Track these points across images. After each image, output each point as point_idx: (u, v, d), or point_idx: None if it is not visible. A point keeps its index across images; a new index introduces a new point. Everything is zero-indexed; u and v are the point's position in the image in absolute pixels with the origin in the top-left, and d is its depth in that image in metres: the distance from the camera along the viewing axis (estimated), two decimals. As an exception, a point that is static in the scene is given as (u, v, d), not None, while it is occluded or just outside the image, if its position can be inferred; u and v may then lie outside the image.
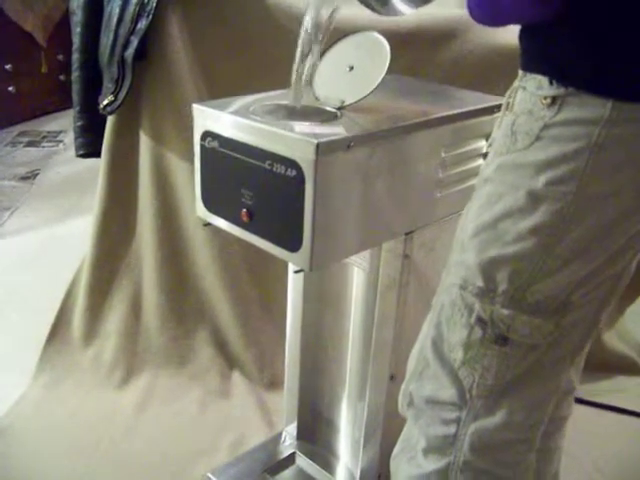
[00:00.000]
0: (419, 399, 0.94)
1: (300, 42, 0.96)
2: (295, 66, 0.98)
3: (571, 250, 0.77)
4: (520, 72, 0.80)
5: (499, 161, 0.80)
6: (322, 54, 1.04)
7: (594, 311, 0.86)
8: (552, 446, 1.07)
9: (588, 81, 0.71)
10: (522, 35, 0.79)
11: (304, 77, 0.99)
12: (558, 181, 0.74)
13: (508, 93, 0.82)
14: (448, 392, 0.90)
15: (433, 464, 0.92)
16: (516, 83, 0.81)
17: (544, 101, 0.74)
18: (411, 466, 0.96)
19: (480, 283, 0.82)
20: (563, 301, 0.81)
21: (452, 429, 0.90)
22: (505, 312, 0.82)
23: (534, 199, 0.76)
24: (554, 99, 0.73)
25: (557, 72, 0.73)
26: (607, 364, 1.79)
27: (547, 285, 0.80)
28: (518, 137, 0.77)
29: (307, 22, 0.95)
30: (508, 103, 0.81)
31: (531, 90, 0.76)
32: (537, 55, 0.77)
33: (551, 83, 0.74)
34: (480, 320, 0.84)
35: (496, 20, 0.80)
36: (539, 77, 0.75)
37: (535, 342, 0.83)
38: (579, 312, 0.83)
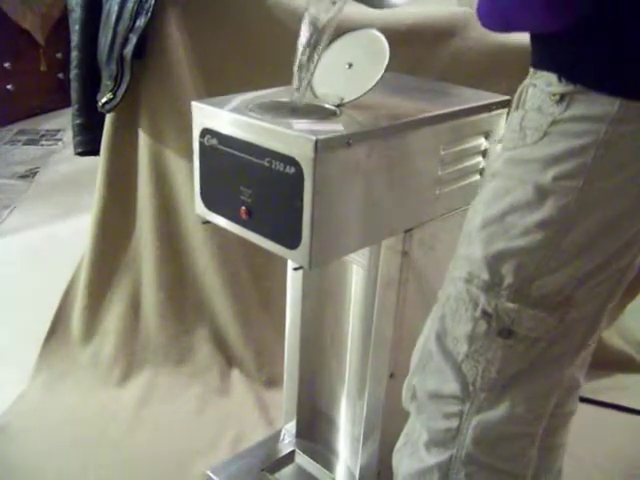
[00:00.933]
0: (422, 393, 0.95)
1: (299, 43, 0.97)
2: (295, 67, 0.98)
3: (576, 245, 0.78)
4: (531, 70, 0.82)
5: (507, 156, 0.82)
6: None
7: (597, 307, 0.86)
8: (557, 442, 1.08)
9: (596, 79, 0.72)
10: (532, 35, 0.80)
11: (306, 78, 0.99)
12: (565, 176, 0.75)
13: (519, 90, 0.83)
14: (451, 385, 0.90)
15: (435, 458, 0.93)
16: (527, 80, 0.82)
17: (553, 98, 0.75)
18: (413, 460, 0.96)
19: (486, 276, 0.83)
20: (567, 295, 0.81)
21: (454, 423, 0.90)
22: (510, 305, 0.82)
23: (541, 193, 0.77)
24: (563, 96, 0.74)
25: (566, 70, 0.74)
26: (607, 362, 1.79)
27: (552, 279, 0.80)
28: (527, 132, 0.78)
29: (305, 26, 0.95)
30: (519, 100, 0.82)
31: (541, 87, 0.78)
32: (547, 54, 0.78)
33: (560, 80, 0.75)
34: (485, 313, 0.84)
35: (506, 29, 0.81)
36: (549, 74, 0.77)
37: (539, 336, 0.84)
38: (583, 307, 0.84)
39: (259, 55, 1.60)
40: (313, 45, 0.96)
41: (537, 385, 0.89)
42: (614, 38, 0.71)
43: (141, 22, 1.49)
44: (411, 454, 0.97)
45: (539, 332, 0.84)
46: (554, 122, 0.75)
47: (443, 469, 0.92)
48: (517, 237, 0.80)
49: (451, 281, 0.90)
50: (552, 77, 0.76)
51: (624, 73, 0.71)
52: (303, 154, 0.88)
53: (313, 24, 0.94)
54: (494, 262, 0.82)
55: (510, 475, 0.92)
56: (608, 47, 0.71)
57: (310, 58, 0.97)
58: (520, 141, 0.79)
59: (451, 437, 0.91)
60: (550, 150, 0.76)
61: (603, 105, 0.71)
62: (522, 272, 0.81)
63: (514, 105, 0.84)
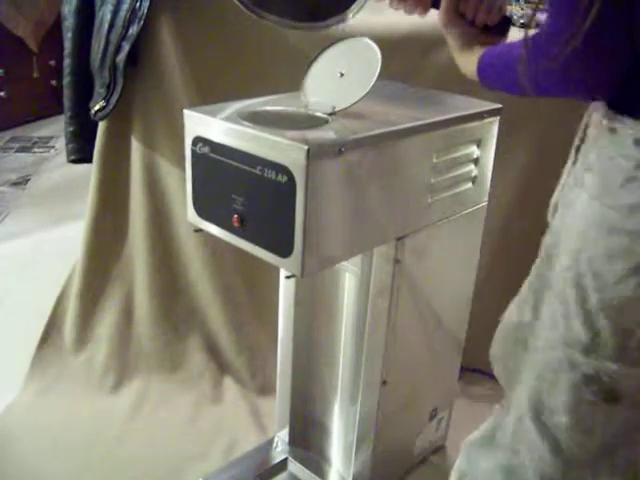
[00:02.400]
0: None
1: None
2: None
3: None
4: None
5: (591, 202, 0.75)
6: (313, 60, 1.05)
7: None
8: None
9: None
10: None
11: None
12: None
13: None
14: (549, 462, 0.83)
15: None
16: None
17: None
18: None
19: (584, 338, 0.76)
20: None
21: None
22: (613, 367, 0.75)
23: (631, 239, 0.71)
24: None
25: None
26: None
27: None
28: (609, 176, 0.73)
29: None
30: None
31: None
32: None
33: None
34: (586, 378, 0.77)
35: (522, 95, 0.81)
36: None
37: None
38: None
39: (252, 63, 1.60)
40: None
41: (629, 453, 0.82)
42: None
43: (134, 30, 1.49)
44: None
45: None
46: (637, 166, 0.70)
47: None
48: (610, 286, 0.72)
49: (541, 349, 0.82)
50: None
51: None
52: (295, 162, 0.88)
53: None
54: (590, 320, 0.75)
55: None
56: None
57: None
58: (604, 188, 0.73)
59: None
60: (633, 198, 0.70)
61: None
62: (621, 325, 0.73)
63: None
